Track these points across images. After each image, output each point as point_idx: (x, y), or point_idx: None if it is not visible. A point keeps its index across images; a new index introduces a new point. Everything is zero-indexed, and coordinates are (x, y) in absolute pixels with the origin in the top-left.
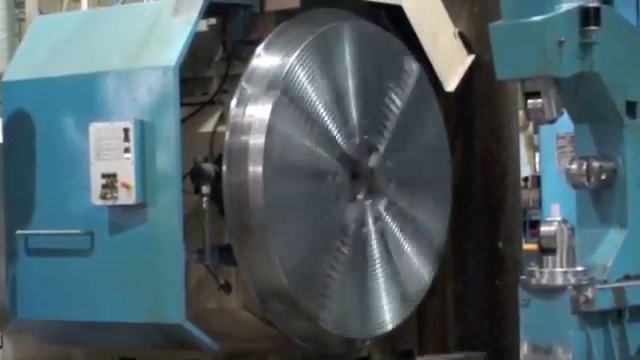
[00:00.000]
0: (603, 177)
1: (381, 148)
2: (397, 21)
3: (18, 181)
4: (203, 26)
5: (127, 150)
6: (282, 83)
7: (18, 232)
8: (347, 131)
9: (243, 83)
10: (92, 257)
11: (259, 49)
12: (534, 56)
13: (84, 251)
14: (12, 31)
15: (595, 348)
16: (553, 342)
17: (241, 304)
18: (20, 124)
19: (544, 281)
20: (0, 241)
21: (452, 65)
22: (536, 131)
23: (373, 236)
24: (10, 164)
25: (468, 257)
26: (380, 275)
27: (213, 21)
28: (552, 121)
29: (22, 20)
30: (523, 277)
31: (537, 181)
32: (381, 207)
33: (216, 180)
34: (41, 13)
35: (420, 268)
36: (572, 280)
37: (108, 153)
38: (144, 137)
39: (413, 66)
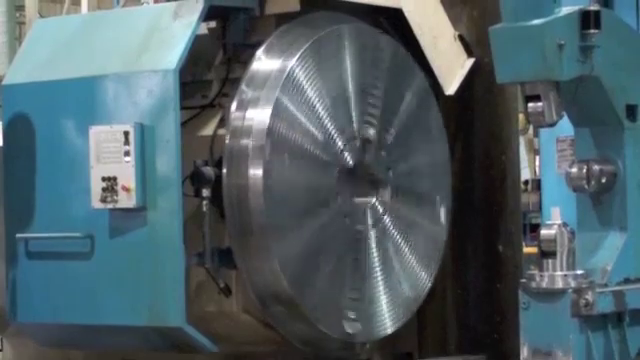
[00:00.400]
0: (603, 180)
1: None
2: (397, 24)
3: (18, 184)
4: (203, 29)
5: (127, 153)
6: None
7: (18, 235)
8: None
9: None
10: (92, 260)
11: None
12: (534, 59)
13: (84, 254)
14: (12, 34)
15: (595, 351)
16: (553, 345)
17: (241, 307)
18: (20, 127)
19: (544, 284)
20: (0, 244)
21: (452, 68)
22: (536, 134)
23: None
24: (10, 167)
25: (468, 260)
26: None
27: (213, 24)
28: (552, 124)
29: (22, 23)
30: (523, 280)
31: (537, 184)
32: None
33: (216, 183)
34: (41, 16)
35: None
36: (572, 283)
37: (108, 156)
38: (144, 140)
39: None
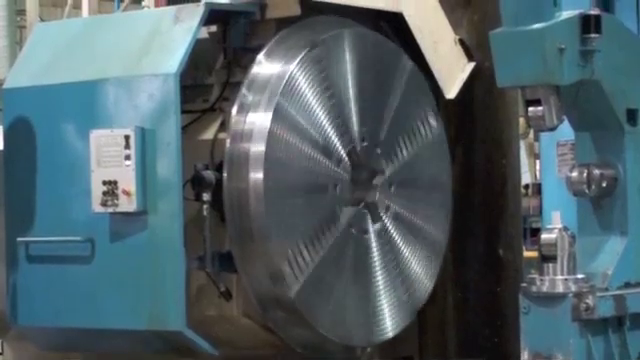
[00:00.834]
0: (604, 185)
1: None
2: (398, 28)
3: (19, 188)
4: (204, 33)
5: (128, 157)
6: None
7: (19, 239)
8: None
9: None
10: (93, 264)
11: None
12: (534, 63)
13: (85, 258)
14: (13, 38)
15: (596, 355)
16: (554, 349)
17: (241, 311)
18: (21, 131)
19: (545, 289)
20: (1, 248)
21: (452, 72)
22: (537, 138)
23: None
24: (11, 171)
25: (469, 264)
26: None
27: (214, 28)
28: (553, 128)
29: (23, 27)
30: (524, 284)
31: (538, 188)
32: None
33: (217, 187)
34: (42, 20)
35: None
36: (573, 288)
37: (109, 160)
38: (145, 144)
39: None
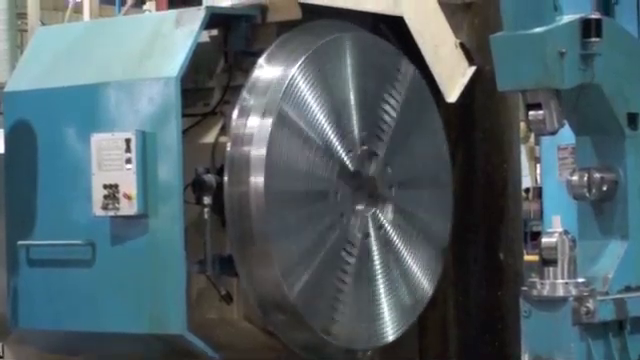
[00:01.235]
0: (604, 188)
1: (382, 158)
2: (398, 32)
3: (20, 191)
4: (205, 37)
5: (129, 161)
6: (284, 94)
7: (20, 242)
8: (348, 142)
9: (245, 94)
10: (93, 267)
11: (261, 60)
12: (535, 67)
13: (85, 262)
14: (14, 42)
15: (596, 359)
16: (554, 353)
17: (242, 315)
18: (22, 135)
19: (545, 292)
20: (1, 251)
21: (453, 76)
22: (537, 142)
23: (375, 246)
24: (11, 174)
25: (469, 268)
26: (382, 285)
27: (215, 32)
28: (553, 132)
29: (24, 31)
30: (524, 288)
31: (538, 192)
32: (382, 217)
33: (217, 191)
34: (43, 24)
35: (421, 278)
36: (573, 291)
37: (110, 164)
38: (146, 148)
39: (414, 77)
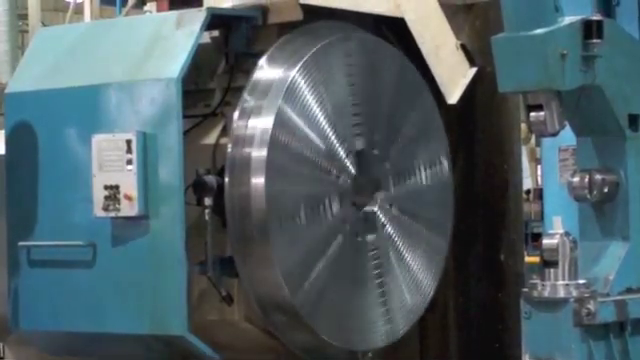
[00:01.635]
0: (605, 190)
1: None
2: (399, 33)
3: (21, 192)
4: (206, 38)
5: (129, 162)
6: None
7: (21, 243)
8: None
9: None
10: (94, 269)
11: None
12: (536, 69)
13: (86, 262)
14: (15, 43)
15: None
16: (555, 355)
17: (243, 316)
18: (23, 136)
19: (546, 294)
20: (3, 252)
21: (454, 77)
22: (538, 143)
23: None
24: (13, 175)
25: (470, 269)
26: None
27: (216, 33)
28: (554, 134)
29: (25, 32)
30: (525, 290)
31: (539, 194)
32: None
33: (218, 192)
34: (44, 25)
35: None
36: (574, 293)
37: (110, 165)
38: (146, 149)
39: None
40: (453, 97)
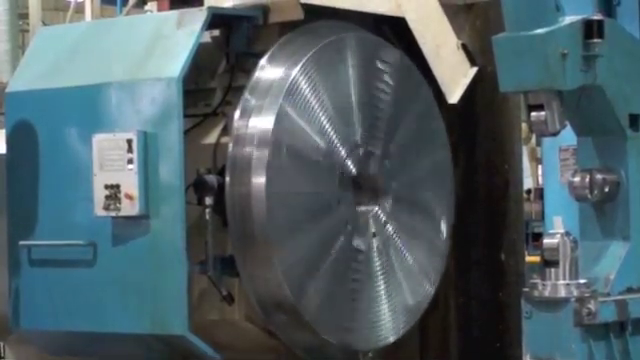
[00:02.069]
0: (606, 190)
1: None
2: (400, 33)
3: (21, 192)
4: (206, 38)
5: (130, 161)
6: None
7: (21, 243)
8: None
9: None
10: (95, 268)
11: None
12: (537, 68)
13: (87, 262)
14: (15, 42)
15: None
16: (556, 354)
17: (243, 315)
18: (23, 135)
19: (547, 293)
20: (3, 252)
21: (455, 77)
22: (539, 143)
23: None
24: (13, 175)
25: (471, 269)
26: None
27: (216, 33)
28: (555, 133)
29: (26, 31)
30: (526, 289)
31: (540, 193)
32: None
33: (219, 191)
34: (44, 24)
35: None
36: (575, 292)
37: (111, 164)
38: (147, 148)
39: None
40: (454, 97)
